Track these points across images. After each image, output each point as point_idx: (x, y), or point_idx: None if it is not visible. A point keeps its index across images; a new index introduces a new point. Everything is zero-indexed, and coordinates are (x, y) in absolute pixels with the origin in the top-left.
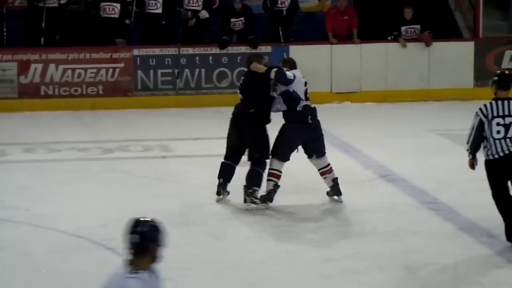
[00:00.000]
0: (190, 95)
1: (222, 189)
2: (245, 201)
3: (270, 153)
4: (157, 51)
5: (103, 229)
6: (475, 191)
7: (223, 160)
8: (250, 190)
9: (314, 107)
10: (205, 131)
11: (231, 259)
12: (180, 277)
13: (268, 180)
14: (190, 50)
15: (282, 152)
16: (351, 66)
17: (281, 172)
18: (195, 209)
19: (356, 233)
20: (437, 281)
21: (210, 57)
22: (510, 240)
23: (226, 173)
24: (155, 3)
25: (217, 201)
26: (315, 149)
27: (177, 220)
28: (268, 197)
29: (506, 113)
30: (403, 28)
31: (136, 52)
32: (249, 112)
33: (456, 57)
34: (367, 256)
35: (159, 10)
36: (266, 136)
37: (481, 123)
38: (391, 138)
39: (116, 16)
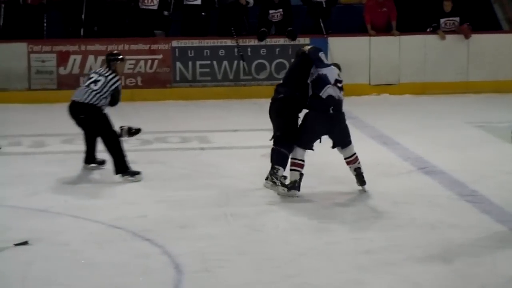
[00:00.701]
0: (228, 87)
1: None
2: (266, 178)
3: (295, 138)
4: (195, 42)
5: (141, 220)
6: None
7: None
8: (274, 170)
9: (340, 99)
10: (243, 123)
11: (268, 250)
12: (217, 268)
13: (291, 170)
14: (228, 42)
15: (303, 139)
16: (390, 58)
17: (303, 161)
18: (233, 201)
19: (394, 225)
20: (474, 273)
21: (249, 49)
22: None
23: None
24: None
25: (264, 185)
26: (339, 140)
27: (214, 212)
28: (294, 186)
29: None
30: (442, 20)
31: (174, 43)
32: (279, 96)
33: (495, 50)
34: (405, 248)
35: (198, 2)
36: (290, 118)
37: None
38: (429, 130)
39: (155, 7)
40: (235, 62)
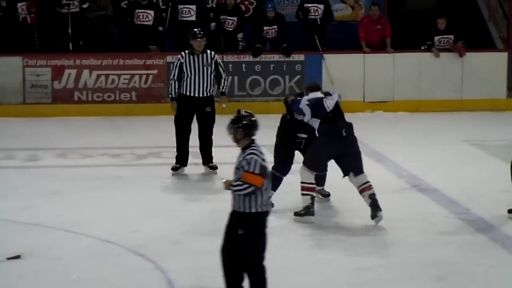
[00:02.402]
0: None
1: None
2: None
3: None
4: None
5: (135, 235)
6: (507, 202)
7: None
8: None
9: (350, 123)
10: None
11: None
12: (210, 284)
13: (302, 194)
14: (223, 58)
15: (312, 162)
16: (384, 75)
17: (314, 183)
18: (226, 216)
19: (388, 242)
20: None
21: (243, 65)
22: None
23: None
24: (189, 11)
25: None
26: (352, 166)
27: (208, 227)
28: (308, 211)
29: None
30: (436, 38)
31: (169, 59)
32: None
33: (489, 68)
34: (399, 266)
35: (193, 18)
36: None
37: None
38: (424, 148)
39: (150, 23)
40: (230, 77)
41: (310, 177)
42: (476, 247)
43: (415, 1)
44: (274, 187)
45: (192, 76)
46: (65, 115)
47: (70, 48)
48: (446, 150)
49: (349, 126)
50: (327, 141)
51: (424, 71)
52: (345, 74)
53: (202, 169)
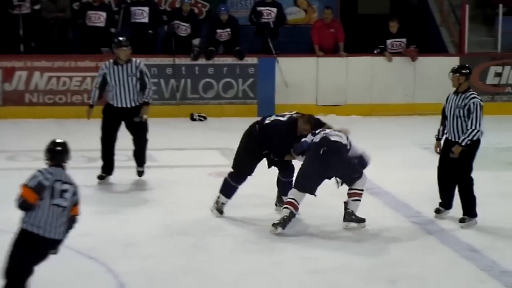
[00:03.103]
0: (175, 105)
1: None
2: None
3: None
4: (142, 60)
5: (85, 238)
6: (457, 205)
7: None
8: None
9: (334, 141)
10: (190, 142)
11: (213, 270)
12: (163, 286)
13: (284, 207)
14: (176, 60)
15: (300, 182)
16: (337, 79)
17: (298, 203)
18: (178, 220)
19: (340, 246)
20: None
21: (196, 68)
22: None
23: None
24: (142, 13)
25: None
26: (342, 177)
27: (160, 231)
28: (280, 223)
29: None
30: (388, 42)
31: None
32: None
33: (441, 72)
34: (351, 269)
35: (146, 19)
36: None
37: None
38: (376, 151)
39: (102, 25)
40: (183, 80)
41: (298, 196)
42: (427, 250)
43: (368, 5)
44: (229, 195)
45: (117, 87)
46: (16, 117)
47: (22, 49)
48: (398, 154)
49: (330, 144)
50: (308, 160)
51: (377, 75)
52: (298, 77)
53: (151, 172)
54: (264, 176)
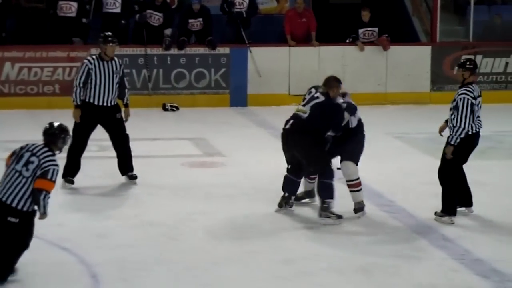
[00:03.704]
0: (147, 96)
1: (284, 203)
2: (319, 215)
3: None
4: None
5: (58, 228)
6: (430, 194)
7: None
8: (325, 205)
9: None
10: (162, 132)
11: (186, 259)
12: (134, 277)
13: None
14: (148, 50)
15: (358, 157)
16: (309, 68)
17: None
18: (150, 210)
19: (313, 235)
20: (392, 283)
21: (168, 58)
22: None
23: (290, 186)
24: (114, 3)
25: (275, 211)
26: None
27: (132, 220)
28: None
29: None
30: (360, 31)
31: (93, 51)
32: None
33: (413, 61)
34: (323, 258)
35: (118, 10)
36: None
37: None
38: None
39: (73, 15)
40: (155, 70)
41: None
42: (400, 239)
43: None
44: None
45: (101, 84)
46: None
47: None
48: (370, 143)
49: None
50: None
51: (349, 64)
52: (270, 67)
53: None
54: (241, 167)
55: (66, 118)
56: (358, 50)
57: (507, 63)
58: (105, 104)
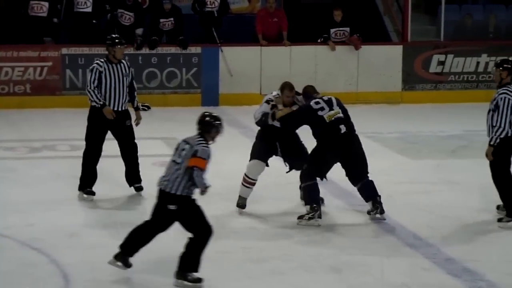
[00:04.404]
0: None
1: (317, 215)
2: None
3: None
4: (86, 50)
5: (30, 228)
6: (402, 193)
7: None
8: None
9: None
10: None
11: (158, 259)
12: (106, 277)
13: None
14: None
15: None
16: (281, 68)
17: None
18: (122, 210)
19: (283, 234)
20: (363, 282)
21: (140, 57)
22: None
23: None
24: (85, 2)
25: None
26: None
27: (104, 220)
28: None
29: None
30: (332, 31)
31: (64, 51)
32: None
33: (384, 61)
34: (295, 258)
35: (89, 9)
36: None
37: None
38: None
39: (44, 14)
40: None
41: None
42: (371, 238)
43: None
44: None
45: (112, 87)
46: None
47: None
48: None
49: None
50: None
51: (320, 64)
52: (242, 66)
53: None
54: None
55: (38, 117)
56: (329, 49)
57: (478, 63)
58: (116, 108)
